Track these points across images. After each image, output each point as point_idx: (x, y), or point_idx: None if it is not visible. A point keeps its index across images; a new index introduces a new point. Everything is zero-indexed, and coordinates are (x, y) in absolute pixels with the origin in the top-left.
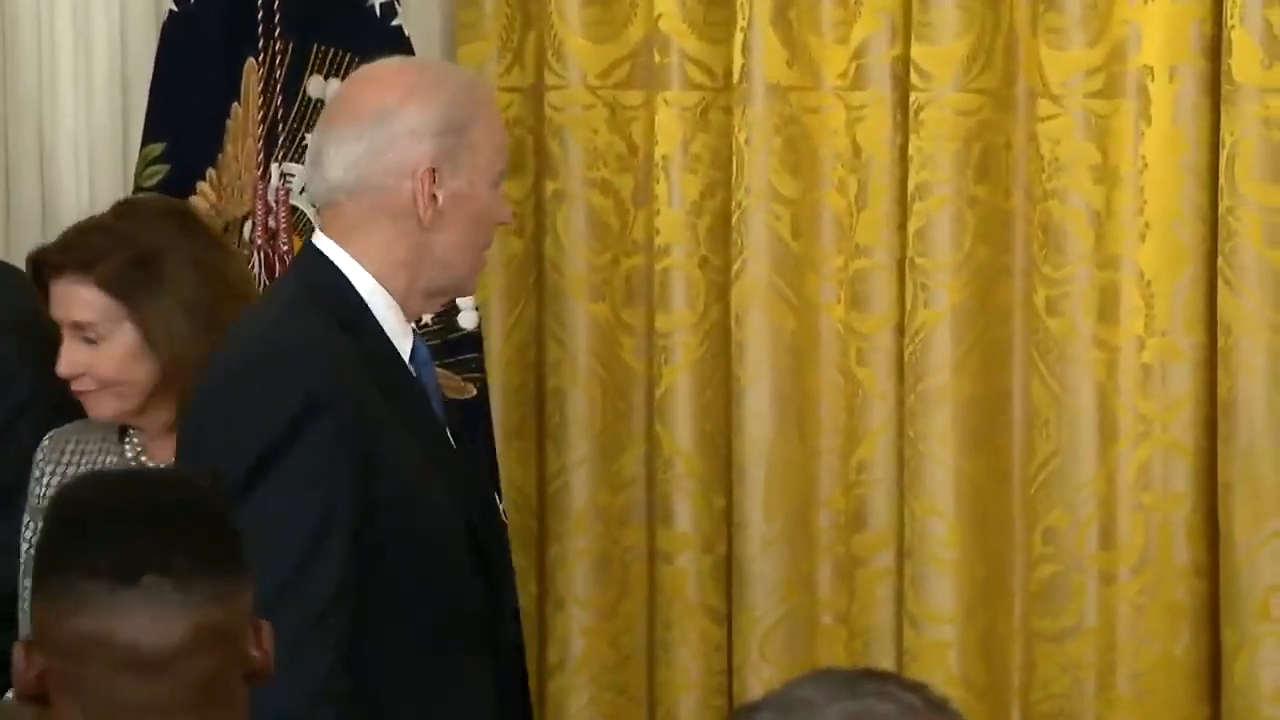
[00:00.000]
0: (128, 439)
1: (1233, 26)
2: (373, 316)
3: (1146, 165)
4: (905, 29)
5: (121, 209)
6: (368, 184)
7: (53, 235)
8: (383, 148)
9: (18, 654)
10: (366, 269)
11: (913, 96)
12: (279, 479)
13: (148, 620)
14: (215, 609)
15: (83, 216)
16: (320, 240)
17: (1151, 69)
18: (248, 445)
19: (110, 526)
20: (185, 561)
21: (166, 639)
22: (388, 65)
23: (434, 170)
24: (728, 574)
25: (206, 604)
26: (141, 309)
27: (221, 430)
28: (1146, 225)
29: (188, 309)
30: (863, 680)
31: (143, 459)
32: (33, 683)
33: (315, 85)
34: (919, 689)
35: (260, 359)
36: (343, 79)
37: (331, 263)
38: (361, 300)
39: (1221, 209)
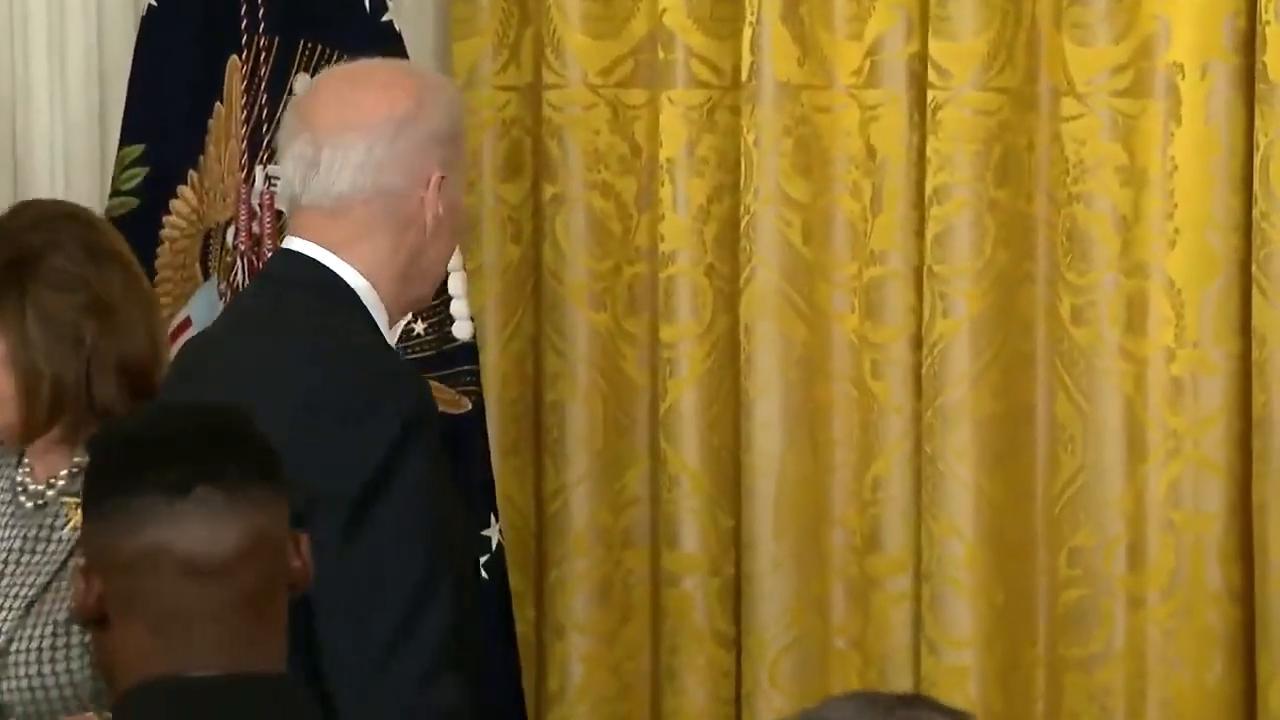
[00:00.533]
0: (22, 462)
1: (1268, 22)
2: (377, 328)
3: (1176, 167)
4: (922, 24)
5: (14, 209)
6: (382, 191)
7: None
8: (402, 155)
9: (78, 581)
10: (362, 277)
11: (930, 95)
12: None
13: (203, 529)
14: (262, 517)
15: None
16: (304, 245)
17: (1182, 66)
18: (359, 470)
19: (159, 446)
20: (235, 471)
21: (221, 546)
22: (380, 67)
23: (443, 178)
24: (736, 597)
25: (255, 512)
26: (3, 318)
27: (331, 452)
28: (1176, 231)
29: (45, 321)
30: (898, 705)
31: (27, 482)
32: (93, 606)
33: (302, 84)
34: (958, 715)
35: (360, 379)
36: None
37: (331, 271)
38: (368, 312)
39: (1255, 214)
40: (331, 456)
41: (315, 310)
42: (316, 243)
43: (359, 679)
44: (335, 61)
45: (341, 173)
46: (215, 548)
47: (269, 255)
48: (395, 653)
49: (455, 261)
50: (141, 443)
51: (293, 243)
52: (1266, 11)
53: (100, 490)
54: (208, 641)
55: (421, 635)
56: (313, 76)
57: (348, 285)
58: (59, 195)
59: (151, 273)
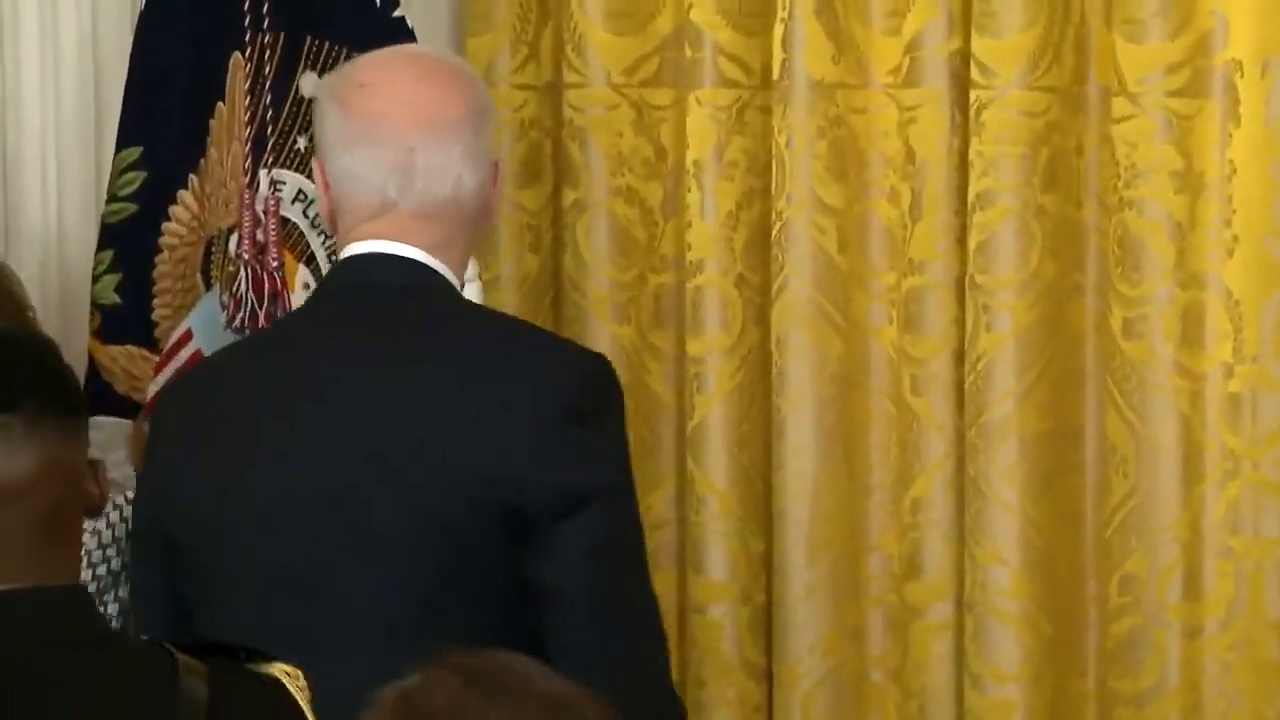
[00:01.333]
0: None
1: None
2: None
3: (1235, 171)
4: (965, 19)
5: None
6: (473, 189)
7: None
8: (483, 149)
9: None
10: (453, 277)
11: (973, 95)
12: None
13: (1, 456)
14: (59, 444)
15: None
16: (399, 248)
17: (1240, 63)
18: (615, 462)
19: None
20: (33, 401)
21: (18, 472)
22: (429, 56)
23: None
24: (767, 626)
25: (52, 439)
26: None
27: (594, 446)
28: (1234, 239)
29: None
30: None
31: None
32: None
33: (309, 83)
34: None
35: (597, 371)
36: None
37: (437, 273)
38: None
39: None
40: (594, 450)
41: (471, 310)
42: (413, 245)
43: (622, 673)
44: (344, 59)
45: (444, 177)
46: (12, 475)
47: (273, 264)
48: (655, 649)
49: (471, 271)
50: None
51: (382, 245)
52: None
53: None
54: (5, 560)
55: (661, 635)
56: (320, 75)
57: (452, 286)
58: (51, 201)
59: (150, 282)
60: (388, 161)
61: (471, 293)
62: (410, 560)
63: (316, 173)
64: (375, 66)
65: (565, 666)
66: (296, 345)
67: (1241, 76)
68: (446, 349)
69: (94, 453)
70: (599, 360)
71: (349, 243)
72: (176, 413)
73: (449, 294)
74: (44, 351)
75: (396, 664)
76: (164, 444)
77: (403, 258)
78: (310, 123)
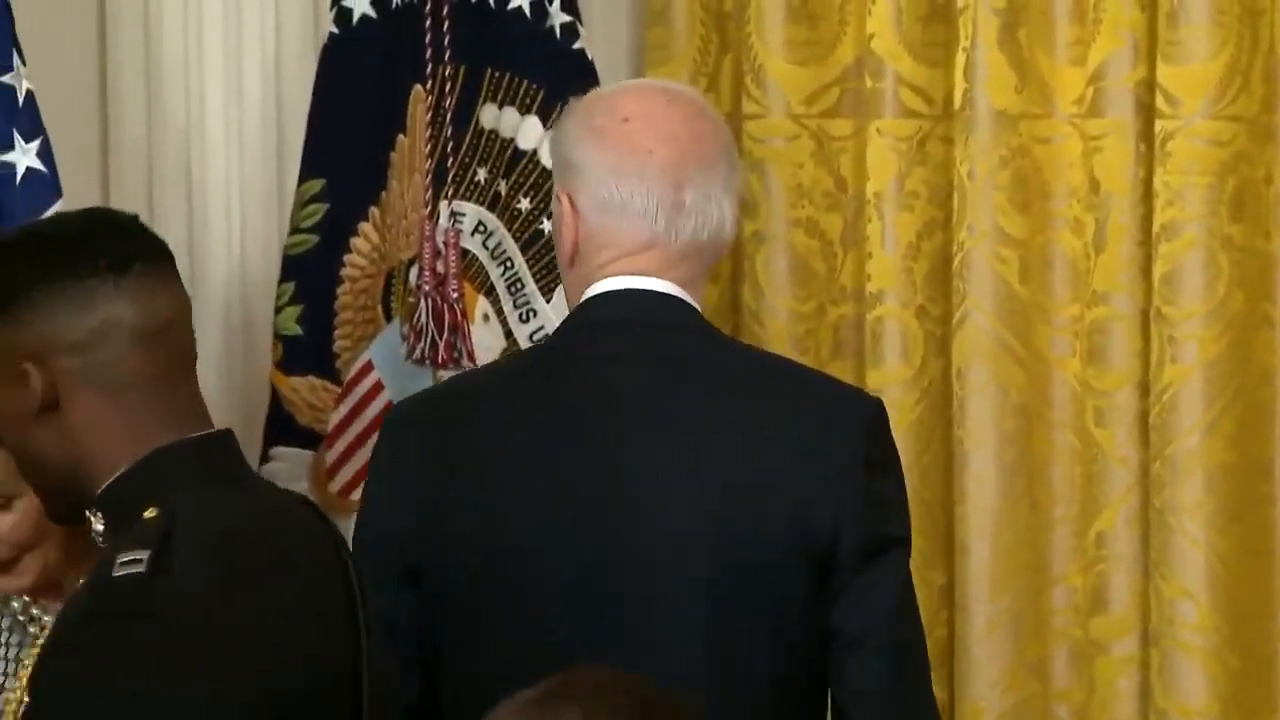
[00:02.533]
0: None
1: None
2: None
3: None
4: (1150, 48)
5: None
6: (733, 226)
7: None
8: (735, 186)
9: (22, 380)
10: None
11: (1158, 125)
12: None
13: (146, 300)
14: (179, 287)
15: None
16: (662, 285)
17: None
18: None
19: (80, 238)
20: (153, 250)
21: (160, 315)
22: (675, 88)
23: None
24: (949, 661)
25: (175, 282)
26: None
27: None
28: None
29: None
30: None
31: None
32: (47, 393)
33: (489, 115)
34: None
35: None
36: (519, 107)
37: (696, 311)
38: None
39: None
40: (892, 500)
41: (754, 352)
42: (671, 280)
43: (896, 701)
44: (524, 91)
45: (708, 215)
46: (156, 317)
47: (453, 295)
48: (932, 697)
49: None
50: (58, 238)
51: (646, 282)
52: None
53: (29, 282)
54: (163, 402)
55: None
56: (500, 107)
57: (710, 327)
58: (235, 232)
59: (331, 313)
60: (656, 197)
61: None
62: (713, 599)
63: (563, 201)
64: (634, 100)
65: (858, 708)
66: (585, 381)
67: None
68: (755, 395)
69: (274, 480)
70: (880, 405)
71: (607, 275)
72: (427, 439)
73: (722, 334)
74: (131, 216)
75: (689, 690)
76: (422, 468)
77: (671, 296)
78: (490, 155)
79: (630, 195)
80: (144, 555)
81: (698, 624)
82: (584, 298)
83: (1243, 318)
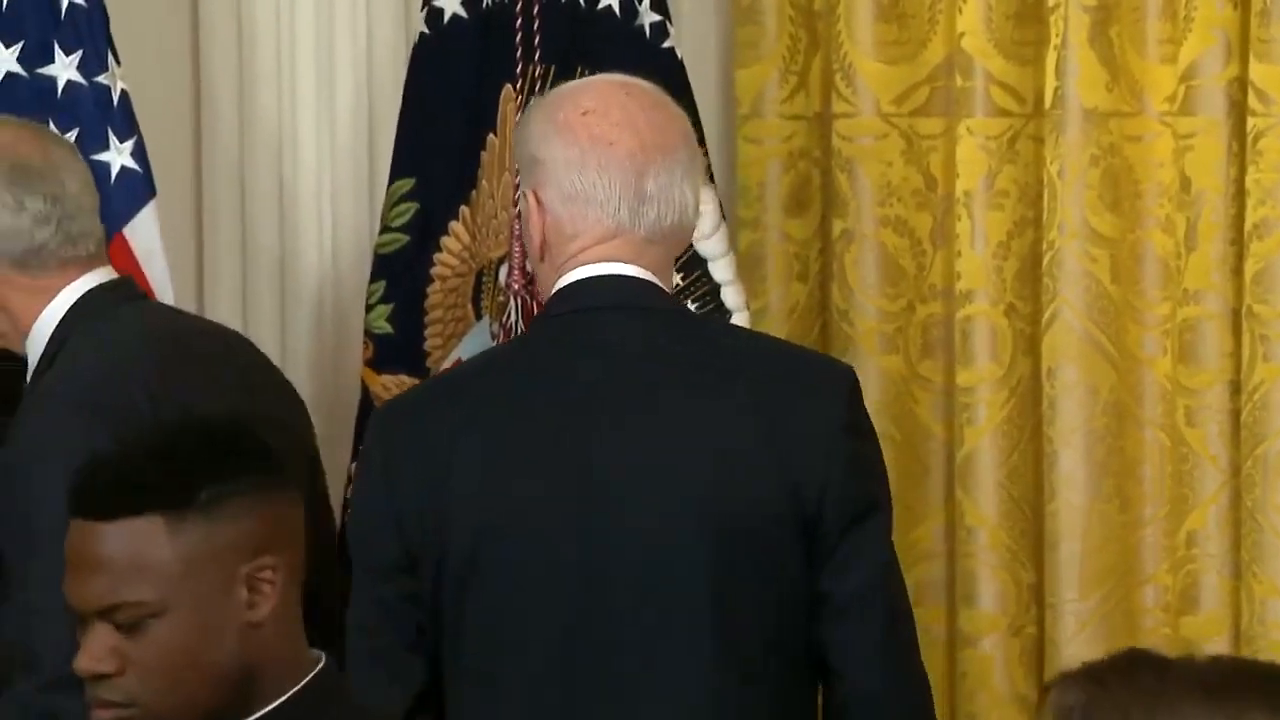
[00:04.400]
0: None
1: None
2: None
3: None
4: (1243, 46)
5: None
6: (695, 213)
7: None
8: (698, 176)
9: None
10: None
11: (1250, 123)
12: None
13: None
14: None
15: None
16: (634, 270)
17: None
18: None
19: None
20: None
21: None
22: (633, 81)
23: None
24: (1039, 659)
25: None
26: None
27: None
28: None
29: None
30: None
31: None
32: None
33: (531, 114)
34: None
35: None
36: None
37: (672, 296)
38: None
39: None
40: (872, 463)
41: (730, 328)
42: (642, 266)
43: (905, 674)
44: None
45: (671, 201)
46: None
47: (542, 295)
48: (918, 655)
49: (739, 300)
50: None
51: (617, 267)
52: None
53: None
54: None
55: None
56: None
57: (684, 308)
58: (326, 232)
59: (422, 312)
60: (619, 185)
61: (740, 321)
62: (713, 570)
63: (529, 198)
64: (593, 94)
65: (854, 670)
66: (575, 360)
67: None
68: (736, 368)
69: None
70: (854, 373)
71: (580, 264)
72: (426, 424)
73: (696, 315)
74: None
75: (695, 662)
76: (422, 456)
77: (643, 280)
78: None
79: (593, 186)
80: None
81: (698, 594)
82: (557, 286)
83: None
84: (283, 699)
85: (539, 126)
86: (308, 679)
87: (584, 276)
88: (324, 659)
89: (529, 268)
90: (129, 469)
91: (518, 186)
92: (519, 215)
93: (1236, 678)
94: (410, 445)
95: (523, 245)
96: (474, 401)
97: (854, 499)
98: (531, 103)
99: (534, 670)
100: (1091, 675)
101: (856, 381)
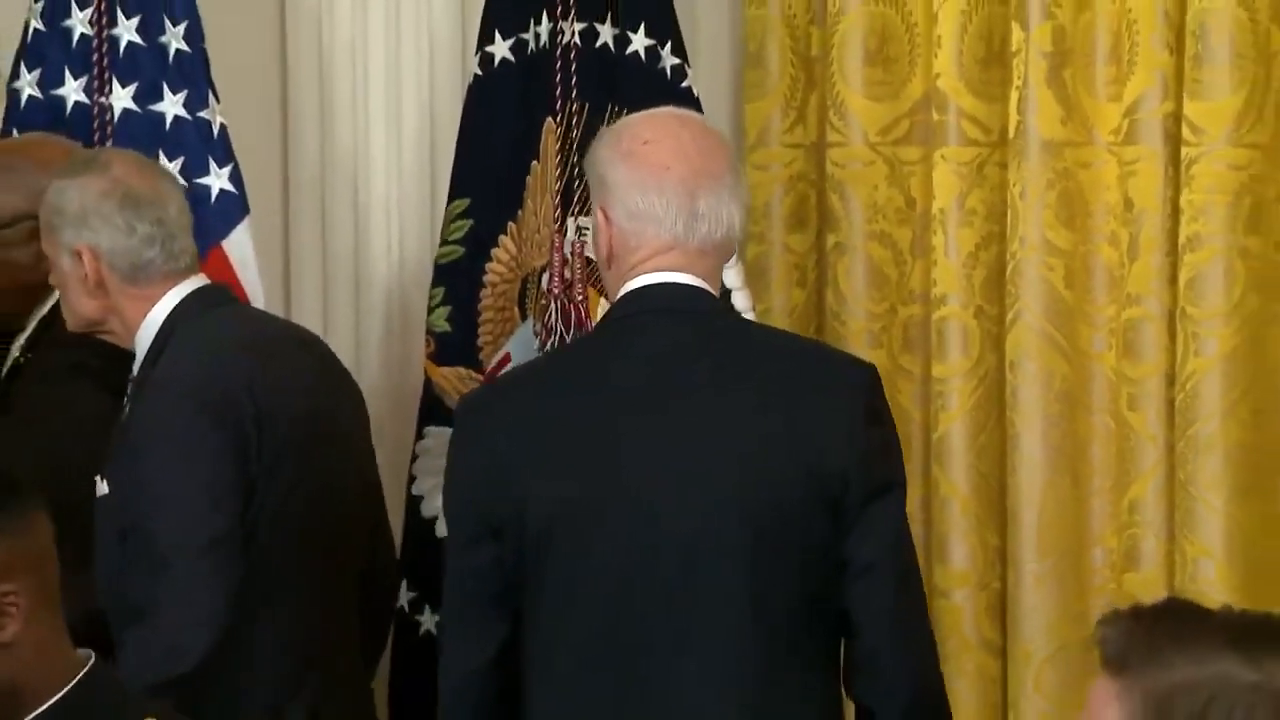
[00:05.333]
0: None
1: None
2: None
3: None
4: (1178, 86)
5: None
6: (740, 229)
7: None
8: (743, 197)
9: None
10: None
11: (1184, 151)
12: None
13: None
14: None
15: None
16: (690, 279)
17: None
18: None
19: None
20: None
21: None
22: (686, 114)
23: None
24: (1002, 611)
25: None
26: None
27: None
28: None
29: None
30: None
31: None
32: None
33: (598, 146)
34: None
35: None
36: None
37: (715, 299)
38: None
39: None
40: (891, 447)
41: (768, 329)
42: (694, 274)
43: (916, 630)
44: None
45: (719, 218)
46: None
47: (579, 298)
48: (926, 613)
49: (746, 303)
50: None
51: (674, 276)
52: None
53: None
54: None
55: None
56: None
57: (731, 310)
58: (394, 243)
59: (475, 313)
60: (675, 205)
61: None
62: (750, 541)
63: (599, 214)
64: (651, 126)
65: (871, 625)
66: (635, 357)
67: None
68: (769, 364)
69: (425, 455)
70: (875, 369)
71: (642, 272)
72: (504, 417)
73: (740, 316)
74: None
75: (733, 619)
76: (500, 445)
77: (694, 286)
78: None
79: (653, 205)
80: None
81: (741, 559)
82: (622, 291)
83: (1257, 317)
84: (48, 704)
85: (607, 152)
86: (73, 683)
87: (645, 284)
88: (92, 659)
89: (566, 275)
90: None
91: (563, 209)
92: (559, 231)
93: (1261, 630)
94: (488, 436)
95: (562, 255)
96: (547, 393)
97: (873, 479)
98: (600, 132)
99: (596, 627)
100: (1135, 614)
101: (878, 377)
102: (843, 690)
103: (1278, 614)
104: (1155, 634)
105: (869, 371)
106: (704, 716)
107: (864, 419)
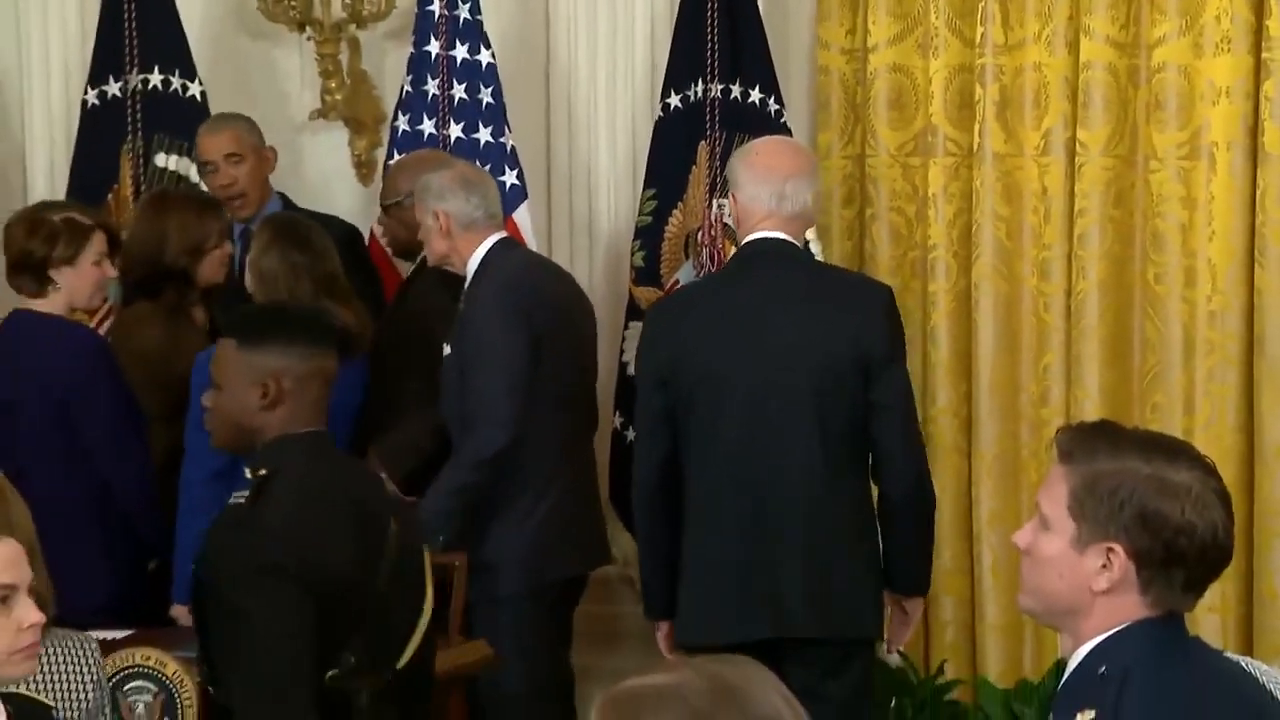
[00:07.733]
0: None
1: None
2: None
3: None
4: (1073, 121)
5: None
6: (813, 207)
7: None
8: (818, 190)
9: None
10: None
11: (1078, 159)
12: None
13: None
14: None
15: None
16: (784, 236)
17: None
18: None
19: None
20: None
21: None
22: (783, 139)
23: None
24: (969, 427)
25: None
26: None
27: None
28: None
29: None
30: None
31: None
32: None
33: (734, 157)
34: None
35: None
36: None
37: (801, 250)
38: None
39: None
40: (899, 336)
41: (826, 265)
42: (786, 233)
43: (915, 447)
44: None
45: (800, 199)
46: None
47: (719, 250)
48: (918, 436)
49: (818, 250)
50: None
51: (773, 233)
52: None
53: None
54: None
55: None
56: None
57: (810, 254)
58: (613, 213)
59: (659, 256)
60: (773, 190)
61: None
62: (818, 391)
63: (732, 197)
64: (764, 145)
65: (887, 440)
66: (750, 281)
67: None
68: (826, 286)
69: (629, 339)
70: (891, 290)
71: (755, 232)
72: (673, 316)
73: (814, 259)
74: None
75: (806, 437)
76: (669, 332)
77: (785, 240)
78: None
79: (761, 190)
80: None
81: (809, 406)
82: (744, 241)
83: (1119, 257)
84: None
85: (736, 162)
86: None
87: (757, 238)
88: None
89: (712, 234)
90: None
91: (710, 195)
92: (708, 207)
93: (1158, 443)
94: (664, 327)
95: (709, 221)
96: (695, 304)
97: (888, 353)
98: (734, 152)
99: (730, 436)
100: (1079, 426)
101: (892, 293)
102: (870, 481)
103: (1173, 436)
104: (1091, 438)
105: (887, 290)
106: (794, 489)
107: (883, 317)
